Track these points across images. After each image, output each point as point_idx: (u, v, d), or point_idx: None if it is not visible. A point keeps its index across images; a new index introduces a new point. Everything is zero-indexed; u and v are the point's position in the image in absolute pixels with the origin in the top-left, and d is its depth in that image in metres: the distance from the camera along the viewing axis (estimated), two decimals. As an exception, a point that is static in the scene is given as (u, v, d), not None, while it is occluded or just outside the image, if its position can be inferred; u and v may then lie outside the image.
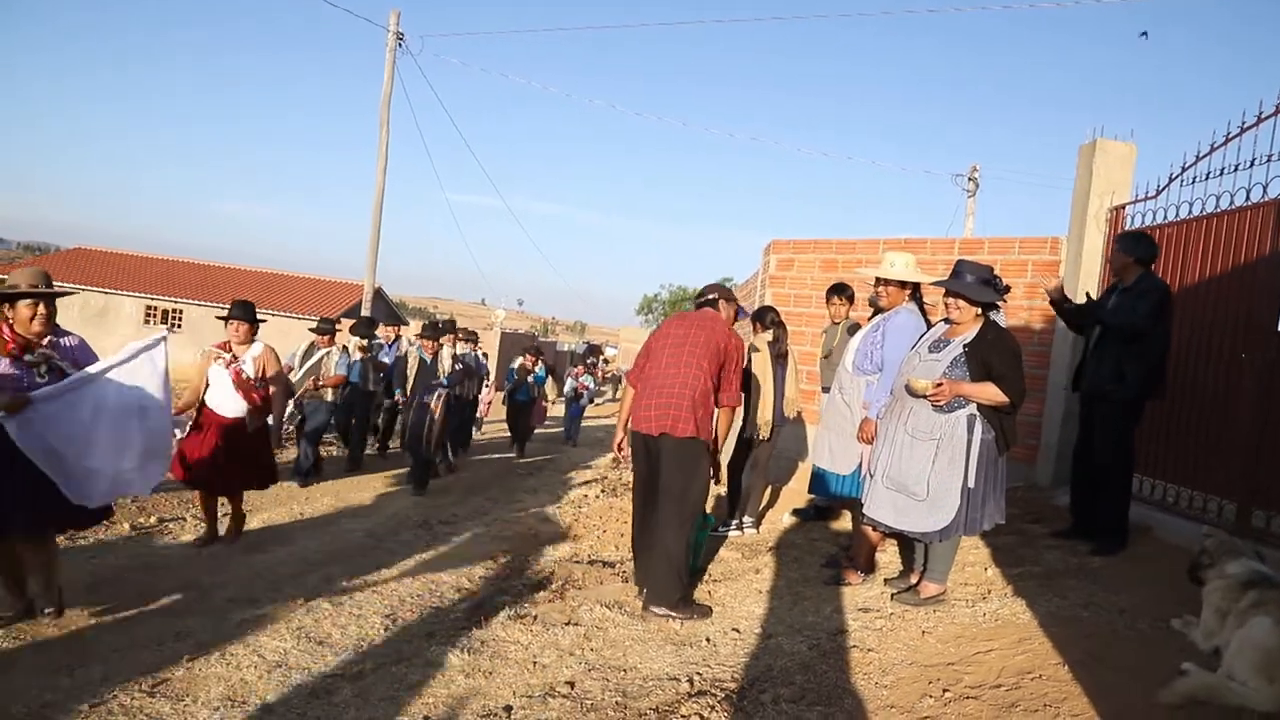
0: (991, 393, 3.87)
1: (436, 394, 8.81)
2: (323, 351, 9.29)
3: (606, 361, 50.52)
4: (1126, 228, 6.37)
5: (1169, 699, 2.88)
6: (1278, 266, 4.89)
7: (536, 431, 16.09)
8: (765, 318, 6.15)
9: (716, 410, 4.60)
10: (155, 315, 35.22)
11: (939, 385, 3.90)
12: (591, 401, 18.49)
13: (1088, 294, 5.47)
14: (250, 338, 6.32)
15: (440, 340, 9.48)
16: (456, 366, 9.32)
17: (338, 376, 9.25)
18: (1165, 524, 5.22)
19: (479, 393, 12.30)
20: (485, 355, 13.42)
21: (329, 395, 9.21)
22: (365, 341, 10.39)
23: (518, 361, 14.10)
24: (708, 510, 5.36)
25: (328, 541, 6.56)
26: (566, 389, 17.40)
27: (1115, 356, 4.84)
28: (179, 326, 34.63)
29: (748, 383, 5.86)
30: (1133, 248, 4.96)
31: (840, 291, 6.14)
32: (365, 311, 17.91)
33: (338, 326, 10.33)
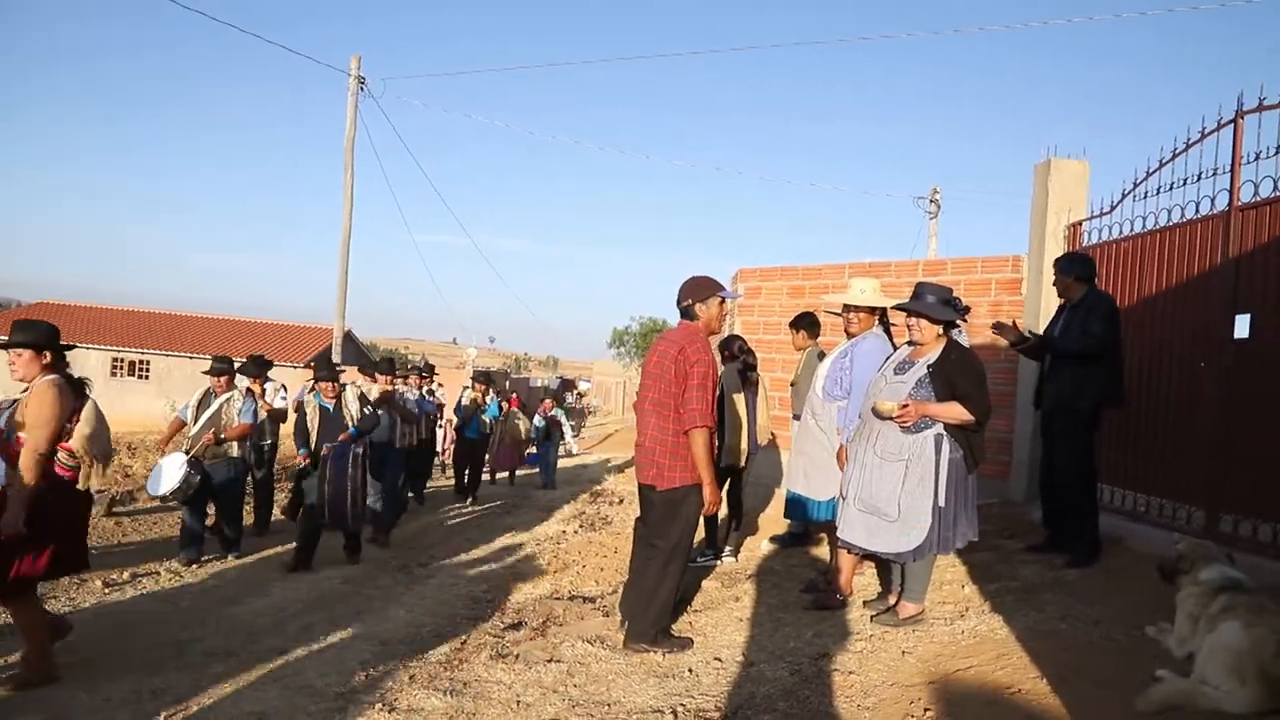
0: (957, 412, 3.93)
1: (352, 454, 7.24)
2: (223, 398, 7.62)
3: (580, 395, 50.49)
4: (1085, 243, 6.52)
5: (1145, 707, 2.92)
6: (1229, 277, 5.03)
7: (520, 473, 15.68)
8: (733, 346, 6.20)
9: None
10: (122, 367, 34.89)
11: (904, 406, 3.96)
12: (564, 437, 16.61)
13: (1031, 333, 5.59)
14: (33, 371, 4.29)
15: (338, 380, 7.65)
16: (366, 410, 7.51)
17: (242, 426, 7.60)
18: (1137, 533, 5.30)
19: (424, 435, 10.87)
20: (433, 392, 11.77)
21: (234, 450, 7.61)
22: (259, 385, 8.63)
23: (465, 395, 12.52)
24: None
25: (305, 590, 6.48)
26: (535, 423, 15.57)
27: (1072, 371, 4.98)
28: (146, 377, 34.36)
29: (721, 411, 5.88)
30: (1069, 267, 5.15)
31: (798, 324, 6.17)
32: (336, 356, 17.82)
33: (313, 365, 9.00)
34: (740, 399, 6.05)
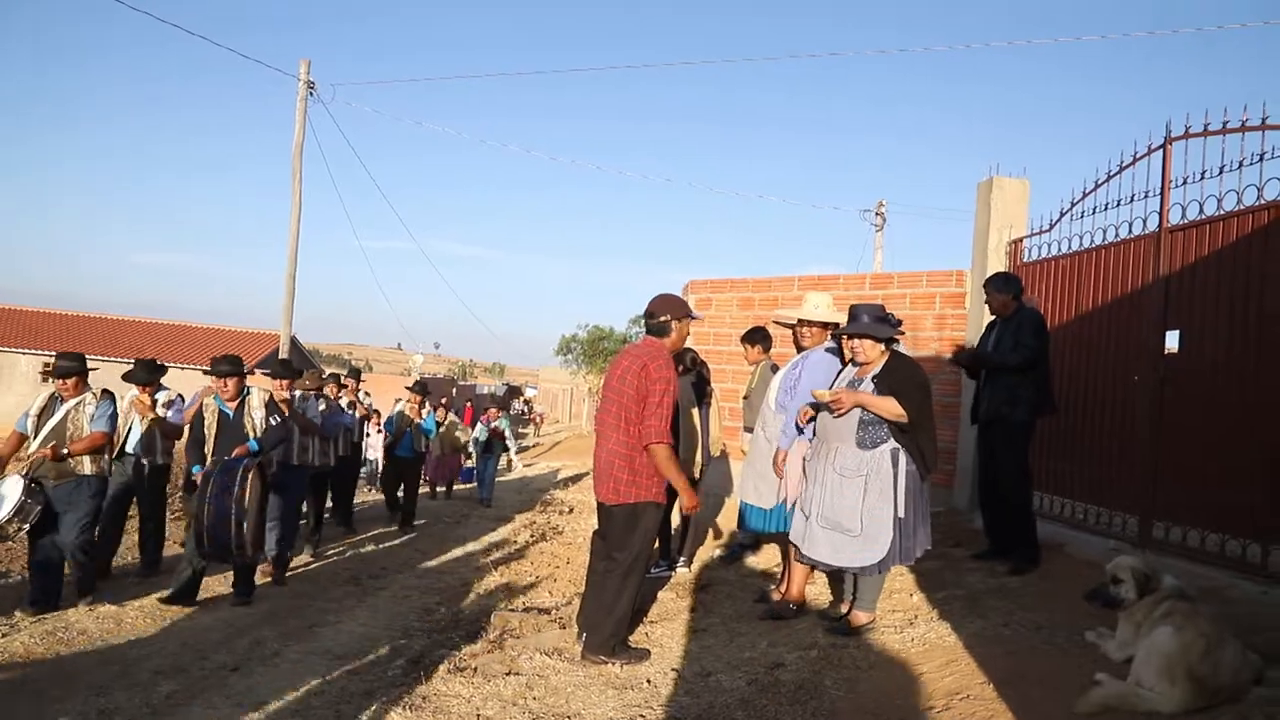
0: (891, 405, 4.09)
1: (242, 470, 5.85)
2: (70, 403, 6.07)
3: (528, 403, 50.23)
4: (1025, 260, 6.75)
5: (1084, 708, 3.06)
6: (1160, 294, 5.26)
7: (456, 488, 15.10)
8: (685, 359, 6.28)
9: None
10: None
11: (837, 395, 4.16)
12: (507, 450, 15.50)
13: (962, 347, 5.90)
14: None
15: (245, 384, 6.45)
16: (273, 419, 6.35)
17: (93, 436, 5.98)
18: (1075, 540, 5.51)
19: (344, 452, 9.40)
20: (355, 404, 10.00)
21: (86, 467, 6.00)
22: (148, 394, 6.92)
23: (399, 406, 10.89)
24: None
25: (254, 605, 6.39)
26: (476, 434, 14.39)
27: (1006, 383, 5.21)
28: (81, 384, 33.31)
29: (676, 424, 5.95)
30: (1006, 286, 5.39)
31: (751, 338, 6.28)
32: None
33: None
34: (695, 412, 6.13)
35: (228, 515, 5.69)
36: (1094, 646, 3.69)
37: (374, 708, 3.90)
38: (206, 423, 6.27)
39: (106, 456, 6.26)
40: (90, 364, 6.24)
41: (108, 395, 6.30)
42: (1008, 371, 5.19)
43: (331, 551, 8.78)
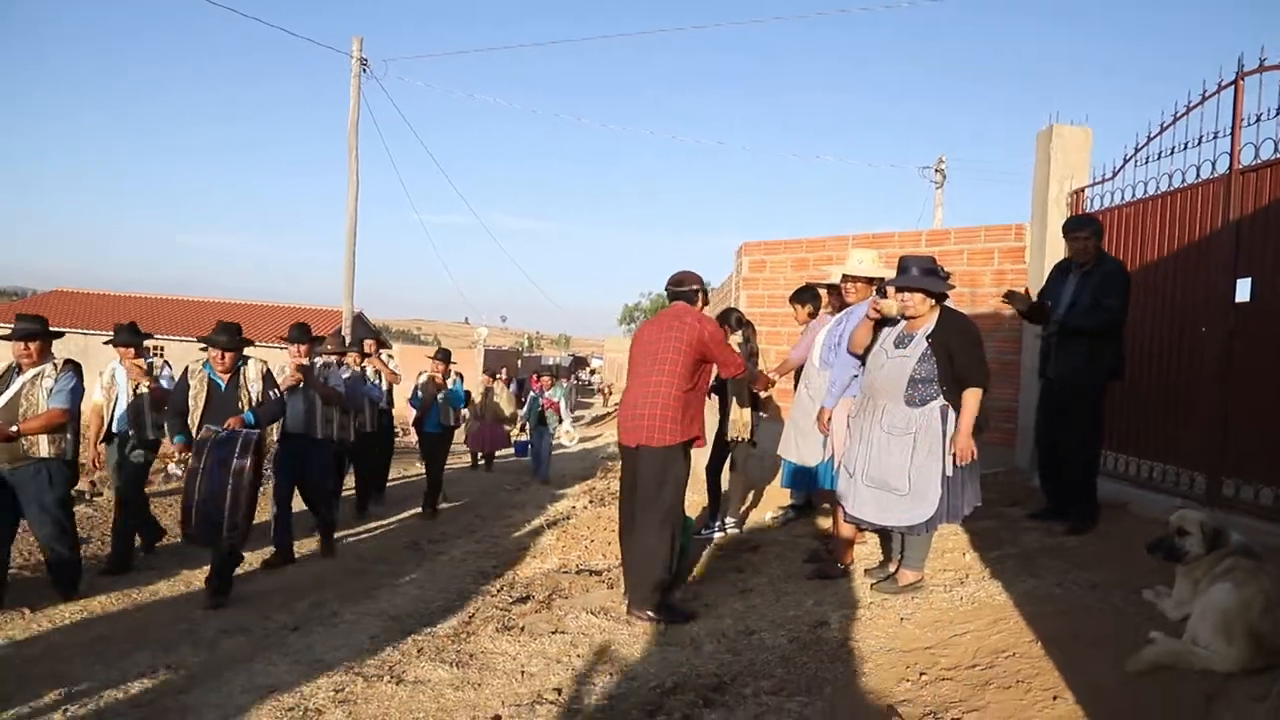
0: (974, 404, 3.95)
1: (241, 442, 5.23)
2: (29, 374, 5.31)
3: (594, 373, 50.44)
4: (1087, 210, 6.49)
5: (1136, 667, 2.96)
6: (1230, 240, 5.01)
7: (499, 459, 14.54)
8: (730, 318, 6.22)
9: (711, 395, 4.82)
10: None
11: (962, 451, 3.93)
12: (561, 423, 13.68)
13: (1027, 291, 5.56)
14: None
15: (243, 352, 5.86)
16: (272, 393, 5.83)
17: (49, 414, 5.21)
18: (1139, 498, 5.32)
19: (372, 426, 8.91)
20: (379, 371, 9.27)
21: (43, 448, 5.21)
22: (139, 359, 6.64)
23: (422, 375, 9.71)
24: (689, 515, 5.43)
25: (317, 569, 6.58)
26: (526, 409, 13.21)
27: (1084, 345, 4.90)
28: (161, 362, 34.57)
29: (723, 384, 5.93)
30: (1087, 224, 5.04)
31: (800, 298, 6.17)
32: (346, 338, 17.93)
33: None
34: (743, 372, 6.08)
35: (223, 490, 5.04)
36: (1151, 605, 3.57)
37: (422, 664, 3.98)
38: (193, 390, 5.69)
39: (69, 436, 5.39)
40: (174, 342, 6.62)
41: (71, 366, 5.48)
42: (1085, 334, 4.88)
43: (392, 519, 8.97)
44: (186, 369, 5.81)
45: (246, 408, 5.65)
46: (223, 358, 5.69)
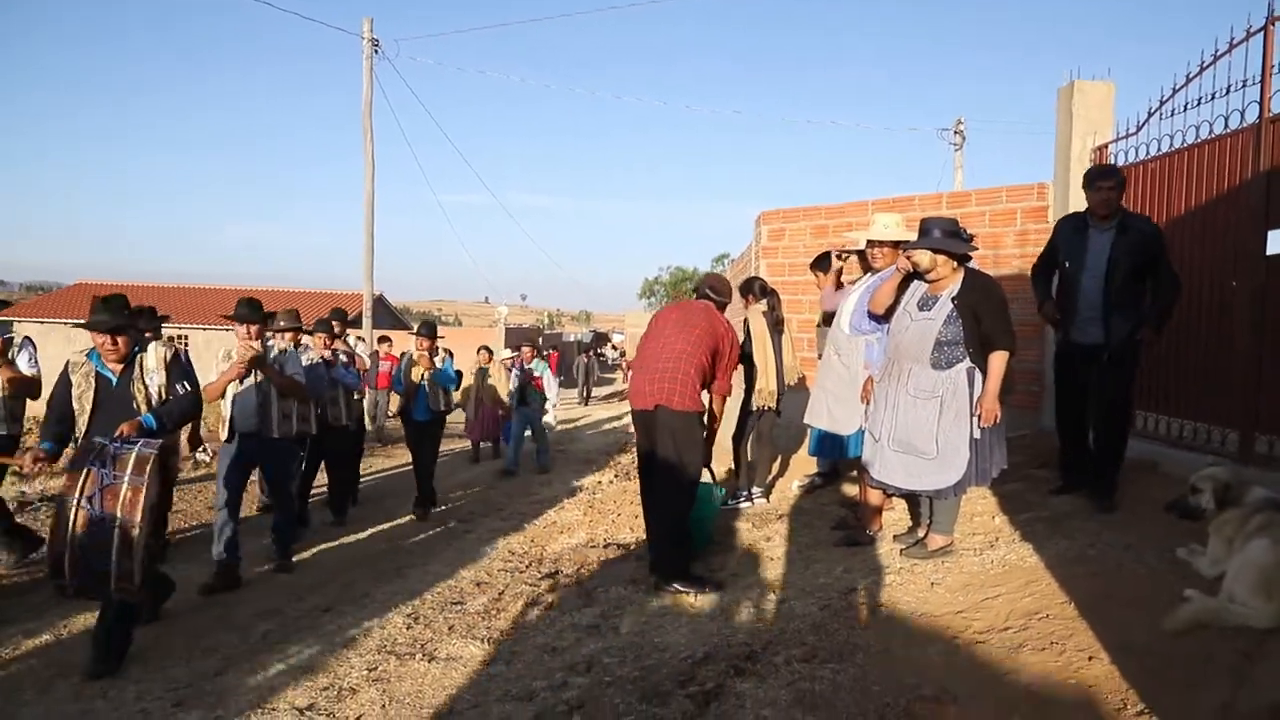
0: (999, 367, 3.91)
1: (135, 459, 3.83)
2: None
3: (615, 348, 50.39)
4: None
5: (1172, 625, 2.93)
6: (1260, 191, 4.89)
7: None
8: (754, 287, 6.17)
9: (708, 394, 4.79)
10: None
11: (986, 414, 3.91)
12: (546, 403, 11.76)
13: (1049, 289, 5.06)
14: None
15: (145, 334, 4.91)
16: (181, 386, 4.45)
17: None
18: (1171, 458, 5.25)
19: (346, 421, 7.76)
20: (349, 354, 8.00)
21: None
22: None
23: (408, 356, 8.57)
24: (717, 484, 5.43)
25: (347, 550, 6.65)
26: (512, 386, 11.28)
27: (1135, 310, 4.62)
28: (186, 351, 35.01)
29: (749, 355, 5.92)
30: (1105, 175, 4.73)
31: (821, 264, 6.10)
32: (366, 321, 18.01)
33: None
34: (768, 341, 6.04)
35: (109, 528, 3.70)
36: (1185, 564, 3.53)
37: (455, 642, 4.01)
38: (76, 390, 4.37)
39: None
40: (199, 331, 5.72)
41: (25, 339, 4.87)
42: (1125, 281, 4.56)
43: (385, 524, 7.80)
44: (68, 362, 4.47)
45: (145, 408, 4.34)
46: (113, 344, 4.31)
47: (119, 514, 3.71)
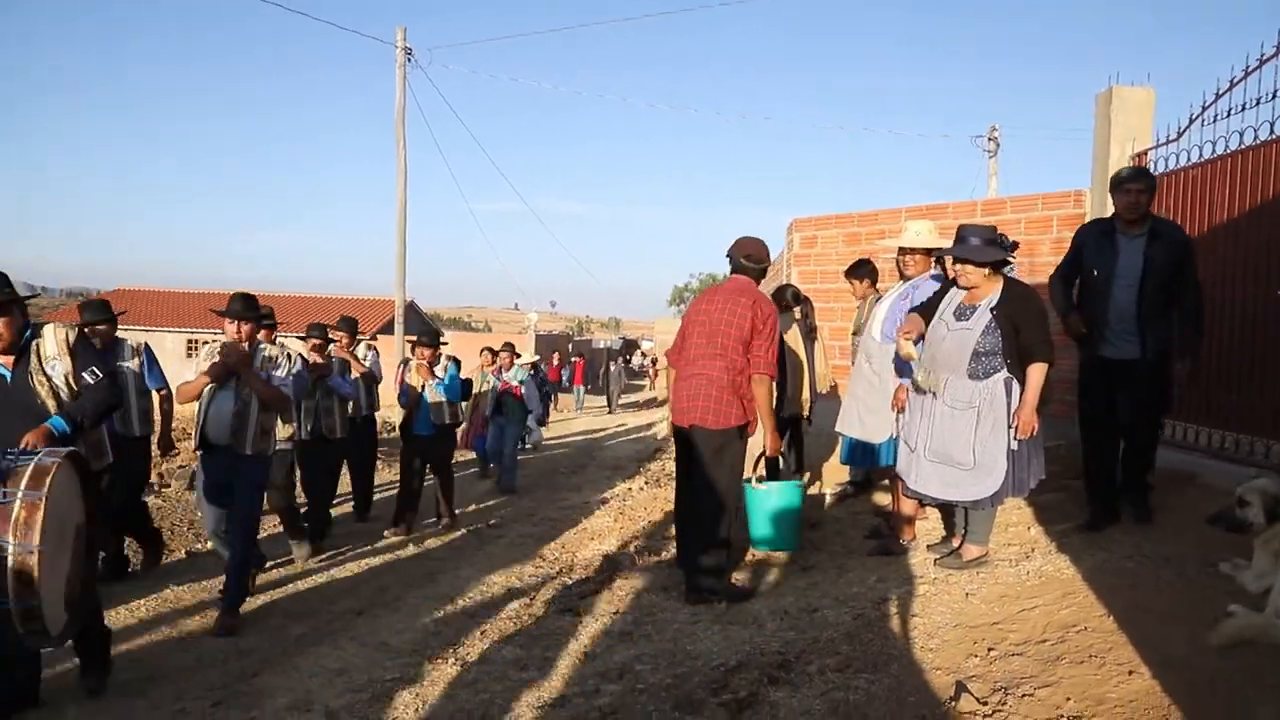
0: (1038, 379, 3.87)
1: (31, 473, 3.03)
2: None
3: (645, 355, 50.36)
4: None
5: (1216, 641, 2.87)
6: (1305, 199, 4.81)
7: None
8: (786, 294, 6.16)
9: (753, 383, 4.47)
10: (197, 348, 36.01)
11: (1024, 427, 3.86)
12: (536, 420, 11.28)
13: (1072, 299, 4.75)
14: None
15: (98, 327, 4.74)
16: (91, 377, 3.62)
17: None
18: (1210, 469, 5.16)
19: (339, 432, 7.26)
20: (345, 361, 7.56)
21: None
22: None
23: (409, 364, 7.80)
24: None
25: (378, 556, 6.69)
26: (489, 391, 10.52)
27: (1171, 321, 4.43)
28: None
29: (782, 361, 5.87)
30: (1143, 175, 4.54)
31: (856, 272, 6.06)
32: (399, 328, 18.15)
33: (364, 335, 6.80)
34: (800, 348, 6.02)
35: None
36: (1227, 579, 3.47)
37: (486, 646, 4.03)
38: None
39: None
40: (218, 336, 5.06)
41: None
42: (1155, 292, 4.33)
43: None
44: None
45: (54, 406, 3.55)
46: (70, 336, 3.65)
47: (10, 538, 2.94)
